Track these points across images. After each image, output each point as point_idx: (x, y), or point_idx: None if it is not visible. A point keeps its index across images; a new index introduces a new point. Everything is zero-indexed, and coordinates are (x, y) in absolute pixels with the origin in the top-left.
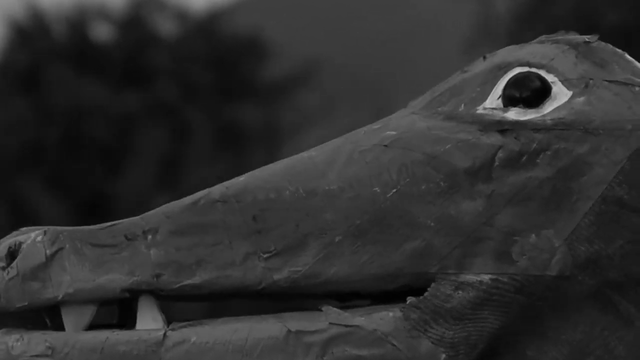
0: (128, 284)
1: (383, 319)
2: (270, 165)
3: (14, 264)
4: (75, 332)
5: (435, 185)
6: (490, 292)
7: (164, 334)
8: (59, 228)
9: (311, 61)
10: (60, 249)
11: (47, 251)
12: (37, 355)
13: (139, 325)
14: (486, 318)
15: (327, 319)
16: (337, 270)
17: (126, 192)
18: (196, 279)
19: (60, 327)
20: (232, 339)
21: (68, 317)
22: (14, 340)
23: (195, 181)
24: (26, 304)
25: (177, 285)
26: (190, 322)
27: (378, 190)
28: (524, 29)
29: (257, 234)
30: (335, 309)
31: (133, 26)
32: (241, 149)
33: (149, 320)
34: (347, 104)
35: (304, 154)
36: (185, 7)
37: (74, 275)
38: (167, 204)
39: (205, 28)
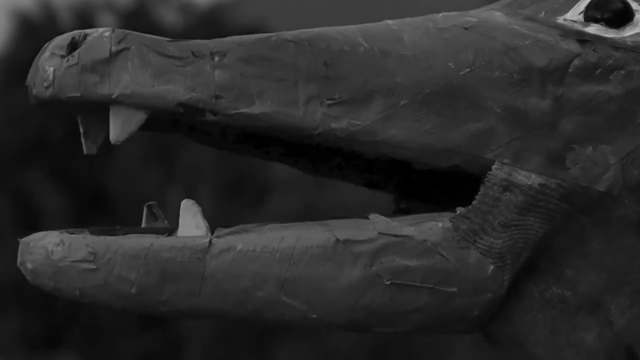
0: (186, 98)
1: (432, 229)
2: (344, 26)
3: (75, 52)
4: (117, 237)
5: (508, 75)
6: (537, 197)
7: (210, 241)
8: (126, 30)
9: None
10: (126, 48)
11: (113, 48)
12: (78, 261)
13: (180, 231)
14: (531, 225)
15: (376, 228)
16: (396, 133)
17: (120, 179)
18: (254, 109)
19: (98, 135)
20: (279, 247)
21: (116, 119)
22: (54, 245)
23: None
24: (79, 95)
25: (234, 112)
26: (236, 229)
27: (452, 66)
28: None
29: (325, 80)
30: (383, 217)
31: (138, 18)
32: None
33: (191, 227)
34: None
35: (381, 22)
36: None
37: (134, 78)
38: (237, 36)
39: (209, 20)
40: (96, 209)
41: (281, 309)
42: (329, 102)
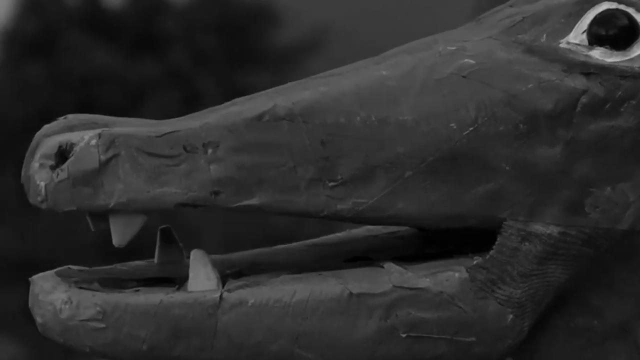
0: (184, 198)
1: (449, 280)
2: (336, 80)
3: (64, 166)
4: (126, 294)
5: (513, 127)
6: (557, 245)
7: (221, 296)
8: (113, 131)
9: (321, 28)
10: (115, 155)
11: (102, 157)
12: (87, 320)
13: (191, 284)
14: (553, 272)
15: (391, 281)
16: (404, 207)
17: None
18: (255, 200)
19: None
20: (291, 301)
21: (116, 226)
22: (62, 303)
23: None
24: (75, 208)
25: (235, 205)
26: (247, 282)
27: (454, 127)
28: None
29: (324, 160)
30: (397, 267)
31: None
32: None
33: (202, 278)
34: None
35: (375, 72)
36: None
37: (128, 185)
38: (228, 114)
39: None
40: None
41: None
42: (332, 184)
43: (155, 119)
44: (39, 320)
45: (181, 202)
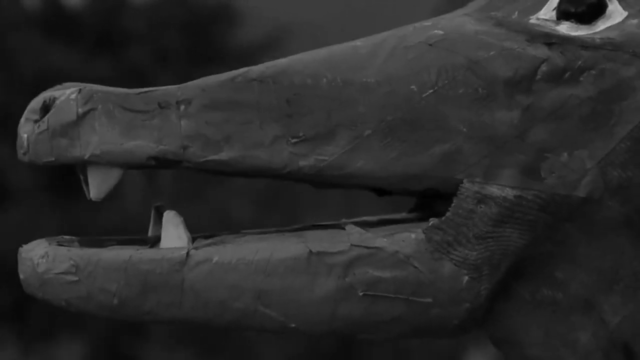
0: (155, 151)
1: (405, 240)
2: (315, 51)
3: (45, 118)
4: (98, 249)
5: (473, 91)
6: (513, 208)
7: (187, 253)
8: (94, 87)
9: (282, 27)
10: (93, 109)
11: (80, 109)
12: (61, 273)
13: (163, 243)
14: (509, 236)
15: (349, 240)
16: (363, 164)
17: None
18: (222, 155)
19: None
20: (254, 259)
21: (93, 179)
22: (39, 257)
23: None
24: (53, 159)
25: (203, 159)
26: (213, 240)
27: (415, 89)
28: None
29: (288, 118)
30: (357, 228)
31: None
32: None
33: (173, 238)
34: None
35: (349, 43)
36: None
37: (103, 137)
38: (206, 77)
39: None
40: (61, 182)
41: (260, 319)
42: (294, 140)
43: None
44: (21, 276)
45: (152, 154)
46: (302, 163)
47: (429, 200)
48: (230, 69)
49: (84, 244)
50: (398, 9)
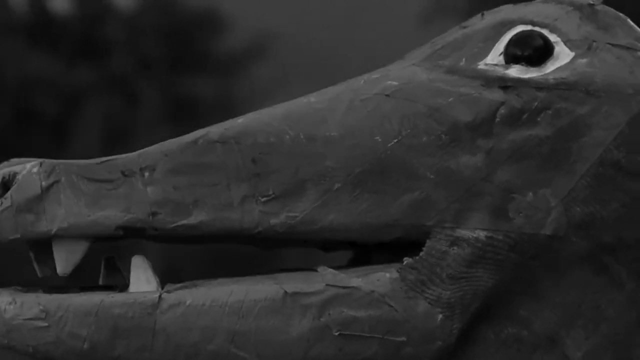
0: (123, 221)
1: (380, 280)
2: (269, 109)
3: (7, 194)
4: (68, 295)
5: (436, 138)
6: (485, 249)
7: (160, 296)
8: (54, 160)
9: (266, 34)
10: (56, 181)
11: (43, 183)
12: (30, 319)
13: (132, 287)
14: (480, 277)
15: (324, 280)
16: (334, 218)
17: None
18: (192, 220)
19: (49, 261)
20: (228, 301)
21: (59, 253)
22: (6, 304)
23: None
24: (18, 236)
25: (173, 225)
26: (185, 284)
27: (379, 140)
28: (483, 2)
29: (256, 177)
30: (331, 269)
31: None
32: (195, 121)
33: (142, 282)
34: (302, 77)
35: (303, 99)
36: None
37: (69, 210)
38: (165, 142)
39: (160, 0)
40: None
41: None
42: (264, 199)
43: (95, 126)
44: None
45: (121, 224)
46: (274, 221)
47: (366, 251)
48: (215, 77)
49: (48, 291)
50: (382, 15)
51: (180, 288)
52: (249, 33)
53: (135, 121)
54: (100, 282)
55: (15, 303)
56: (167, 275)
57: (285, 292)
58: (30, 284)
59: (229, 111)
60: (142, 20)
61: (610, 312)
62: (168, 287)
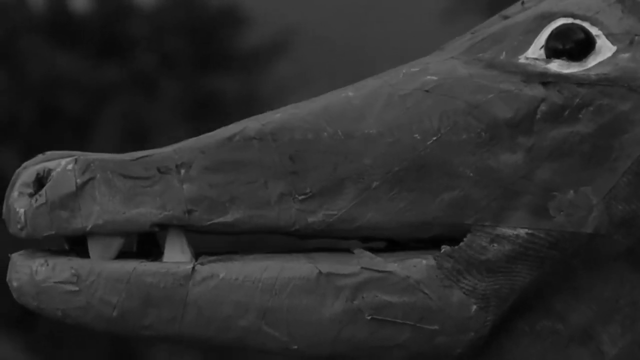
0: (159, 218)
1: (416, 266)
2: (306, 103)
3: (42, 191)
4: (101, 260)
5: (476, 135)
6: (526, 246)
7: (193, 268)
8: (89, 156)
9: (289, 30)
10: (91, 178)
11: (78, 180)
12: (61, 282)
13: (166, 257)
14: (519, 272)
15: (359, 263)
16: (372, 216)
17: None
18: (228, 217)
19: (84, 256)
20: (262, 277)
21: (94, 248)
22: (38, 265)
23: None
24: (53, 232)
25: (209, 223)
26: (220, 257)
27: (418, 137)
28: None
29: (293, 175)
30: (367, 252)
31: None
32: (218, 117)
33: (177, 253)
34: (325, 73)
35: (341, 93)
36: None
37: (104, 207)
38: (200, 137)
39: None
40: None
41: (262, 339)
42: (301, 197)
43: (119, 123)
44: (14, 284)
45: (156, 221)
46: (311, 219)
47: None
48: (238, 73)
49: (81, 255)
50: (404, 10)
51: (214, 261)
52: (271, 29)
53: (158, 118)
54: (134, 249)
55: (47, 265)
56: (204, 245)
57: (320, 271)
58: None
59: (251, 107)
60: (164, 18)
61: None
62: (202, 259)
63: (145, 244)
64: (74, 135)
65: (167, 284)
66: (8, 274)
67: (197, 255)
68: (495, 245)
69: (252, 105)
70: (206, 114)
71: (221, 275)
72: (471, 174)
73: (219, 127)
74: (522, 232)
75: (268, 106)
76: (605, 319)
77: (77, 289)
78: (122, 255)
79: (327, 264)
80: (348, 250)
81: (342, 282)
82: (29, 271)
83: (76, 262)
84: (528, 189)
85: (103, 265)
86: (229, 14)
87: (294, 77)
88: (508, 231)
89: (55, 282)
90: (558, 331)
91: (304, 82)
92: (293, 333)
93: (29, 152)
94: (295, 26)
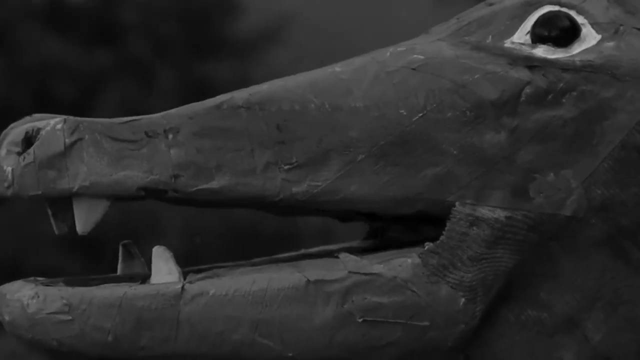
0: (145, 182)
1: (402, 265)
2: (293, 77)
3: (30, 150)
4: (91, 288)
5: (461, 114)
6: (504, 229)
7: (182, 287)
8: (78, 118)
9: (282, 17)
10: (80, 139)
11: (67, 140)
12: (54, 313)
13: (154, 278)
14: (500, 257)
15: (346, 267)
16: (356, 189)
17: None
18: (214, 184)
19: (67, 218)
20: (251, 290)
21: (80, 211)
22: (29, 298)
23: None
24: (40, 192)
25: (195, 189)
26: (207, 274)
27: (404, 113)
28: None
29: (280, 144)
30: (352, 256)
31: None
32: None
33: (164, 273)
34: (319, 60)
35: (328, 69)
36: None
37: (92, 168)
38: (188, 105)
39: None
40: None
41: (257, 350)
42: (287, 166)
43: (113, 110)
44: (6, 318)
45: (142, 185)
46: (296, 189)
47: (382, 227)
48: (231, 60)
49: (69, 283)
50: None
51: (202, 278)
52: (265, 16)
53: (151, 104)
54: (119, 272)
55: (38, 297)
56: (187, 260)
57: (308, 280)
58: (51, 273)
59: None
60: (158, 4)
61: (628, 296)
62: (190, 277)
63: (128, 260)
64: None
65: (158, 305)
66: None
67: (183, 273)
68: (475, 229)
69: None
70: (200, 100)
71: (211, 292)
72: (455, 152)
73: None
74: (501, 215)
75: None
76: (589, 306)
77: (70, 317)
78: (108, 280)
79: (315, 271)
80: (333, 256)
81: (331, 287)
82: (20, 305)
83: (66, 292)
84: (510, 170)
85: (93, 293)
86: (222, 0)
87: (288, 64)
88: (487, 213)
89: (47, 314)
90: (543, 320)
91: (298, 69)
92: (287, 342)
93: None
94: (288, 13)
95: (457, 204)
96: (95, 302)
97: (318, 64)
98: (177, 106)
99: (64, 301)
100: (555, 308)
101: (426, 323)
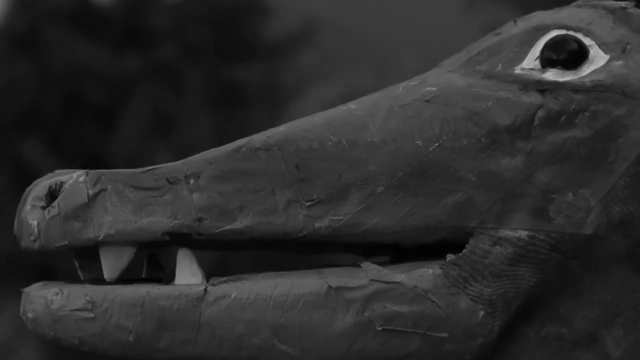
0: (170, 226)
1: (423, 275)
2: (309, 117)
3: (55, 203)
4: (114, 286)
5: (476, 141)
6: (527, 248)
7: (205, 289)
8: (100, 170)
9: (311, 20)
10: (103, 190)
11: (90, 191)
12: (77, 310)
13: (178, 279)
14: (522, 275)
15: (368, 275)
16: (378, 221)
17: (120, 150)
18: (237, 224)
19: (94, 268)
20: (273, 294)
21: (107, 259)
22: (53, 294)
23: (192, 140)
24: (66, 243)
25: (219, 230)
26: (231, 277)
27: (420, 144)
28: None
29: (300, 182)
30: (374, 265)
31: None
32: (241, 107)
33: (187, 275)
34: (348, 63)
35: (342, 107)
36: None
37: (116, 217)
38: (208, 151)
39: None
40: None
41: (276, 355)
42: (308, 203)
43: (143, 114)
44: (30, 316)
45: (167, 230)
46: (318, 225)
47: (406, 257)
48: (261, 63)
49: (94, 282)
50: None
51: (225, 281)
52: (294, 19)
53: (181, 108)
54: (144, 274)
55: (62, 294)
56: (214, 269)
57: (330, 286)
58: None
59: (274, 97)
60: (187, 8)
61: None
62: (213, 280)
63: (152, 269)
64: (98, 125)
65: (180, 306)
66: (22, 307)
67: (207, 277)
68: (498, 247)
69: (274, 94)
70: (229, 103)
71: (233, 295)
72: (473, 178)
73: (242, 116)
74: (523, 234)
75: (291, 96)
76: (609, 321)
77: (92, 315)
78: (132, 281)
79: (336, 278)
80: (356, 265)
81: (352, 295)
82: (44, 301)
83: (90, 289)
84: (528, 192)
85: (117, 291)
86: (252, 4)
87: (317, 67)
88: (510, 233)
89: (70, 310)
90: (563, 336)
91: (327, 72)
92: (306, 348)
93: (54, 143)
94: (317, 16)
95: (478, 230)
96: (118, 301)
97: (347, 66)
98: (207, 110)
99: (88, 298)
100: (575, 323)
101: (445, 334)
